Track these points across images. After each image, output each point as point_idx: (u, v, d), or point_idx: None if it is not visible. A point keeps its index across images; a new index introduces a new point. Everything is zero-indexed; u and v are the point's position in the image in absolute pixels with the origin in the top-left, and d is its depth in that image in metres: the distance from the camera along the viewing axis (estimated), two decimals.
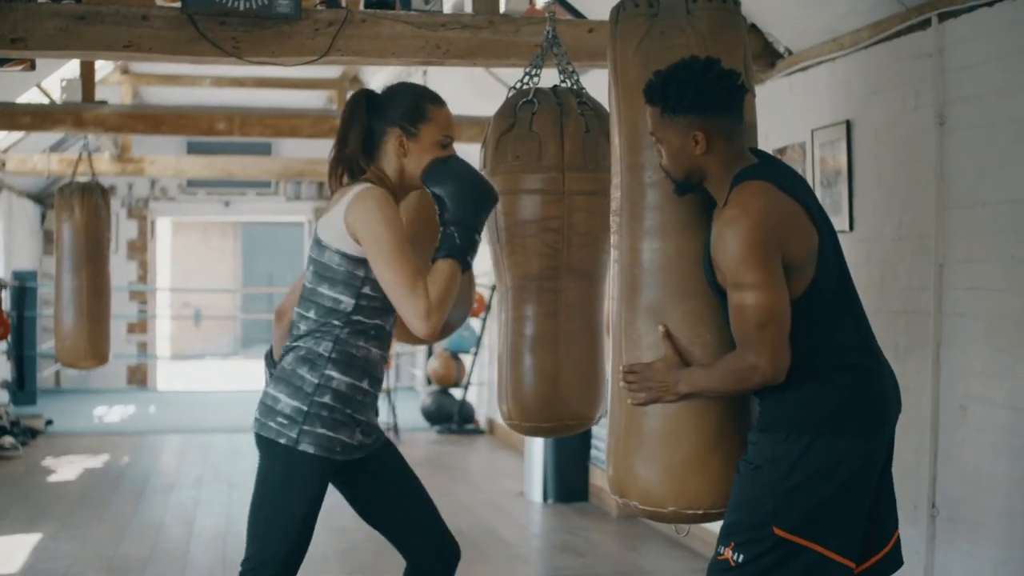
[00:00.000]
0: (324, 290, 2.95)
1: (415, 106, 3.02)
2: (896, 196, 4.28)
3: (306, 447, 2.92)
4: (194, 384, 15.07)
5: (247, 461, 8.91)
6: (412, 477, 3.18)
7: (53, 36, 4.36)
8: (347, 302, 2.94)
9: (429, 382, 11.19)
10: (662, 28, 3.01)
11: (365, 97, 3.06)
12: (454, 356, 10.82)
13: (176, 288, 18.36)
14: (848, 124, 4.56)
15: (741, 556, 2.80)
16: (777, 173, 2.85)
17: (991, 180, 3.78)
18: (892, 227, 4.28)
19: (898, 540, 2.94)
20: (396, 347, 14.11)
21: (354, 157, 3.03)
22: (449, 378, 10.74)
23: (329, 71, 11.08)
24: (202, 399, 13.43)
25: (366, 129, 3.03)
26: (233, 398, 13.45)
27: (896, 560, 2.95)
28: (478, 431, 10.55)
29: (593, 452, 7.28)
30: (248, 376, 16.29)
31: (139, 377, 14.21)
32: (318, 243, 2.97)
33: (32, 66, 5.06)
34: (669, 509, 3.01)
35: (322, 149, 12.68)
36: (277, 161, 11.51)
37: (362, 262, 2.91)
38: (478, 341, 10.52)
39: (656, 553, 6.01)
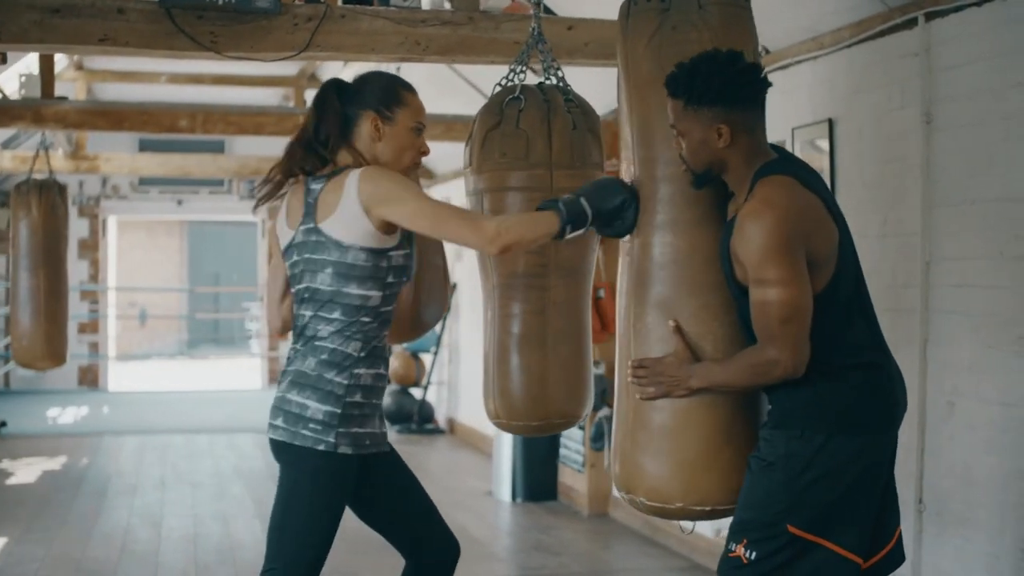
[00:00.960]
0: (352, 289, 2.90)
1: (390, 91, 3.03)
2: (880, 194, 4.30)
3: (345, 449, 2.89)
4: (144, 385, 14.87)
5: (207, 462, 8.83)
6: (411, 475, 3.15)
7: (27, 29, 4.25)
8: (376, 296, 2.92)
9: (388, 382, 11.11)
10: (674, 23, 3.00)
11: (336, 85, 3.05)
12: (414, 356, 10.77)
13: (129, 287, 18.13)
14: (831, 122, 4.58)
15: (754, 553, 2.79)
16: (798, 168, 2.85)
17: (980, 178, 3.81)
18: (876, 225, 4.30)
19: (900, 536, 2.95)
20: None
21: (318, 144, 2.99)
22: (409, 378, 10.69)
23: (287, 68, 10.99)
24: (155, 400, 13.27)
25: (340, 115, 3.00)
26: (187, 398, 13.33)
27: (898, 557, 2.95)
28: (438, 431, 10.51)
29: (562, 451, 7.27)
30: (197, 376, 16.16)
31: (90, 378, 14.00)
32: (337, 245, 2.89)
33: (3, 59, 4.96)
34: (676, 505, 2.99)
35: (280, 147, 12.61)
36: (232, 159, 11.38)
37: (384, 253, 2.90)
38: (438, 341, 10.48)
39: (630, 551, 6.01)
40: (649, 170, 3.04)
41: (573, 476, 7.13)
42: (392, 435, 10.16)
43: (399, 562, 3.16)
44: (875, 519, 2.85)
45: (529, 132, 3.81)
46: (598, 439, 6.77)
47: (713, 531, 5.58)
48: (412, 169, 3.09)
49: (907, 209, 4.13)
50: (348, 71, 8.52)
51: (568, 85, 3.98)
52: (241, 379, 15.66)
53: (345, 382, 2.90)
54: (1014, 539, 3.66)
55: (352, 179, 2.88)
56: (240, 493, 7.60)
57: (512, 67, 4.03)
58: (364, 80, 3.04)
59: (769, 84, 2.85)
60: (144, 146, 12.87)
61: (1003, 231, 3.71)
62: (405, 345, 10.86)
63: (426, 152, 3.10)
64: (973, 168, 3.85)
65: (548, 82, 4.00)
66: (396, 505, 3.09)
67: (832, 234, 2.77)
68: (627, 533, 6.36)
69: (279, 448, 2.96)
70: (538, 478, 7.34)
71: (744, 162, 2.82)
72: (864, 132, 4.41)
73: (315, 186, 2.96)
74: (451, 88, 8.10)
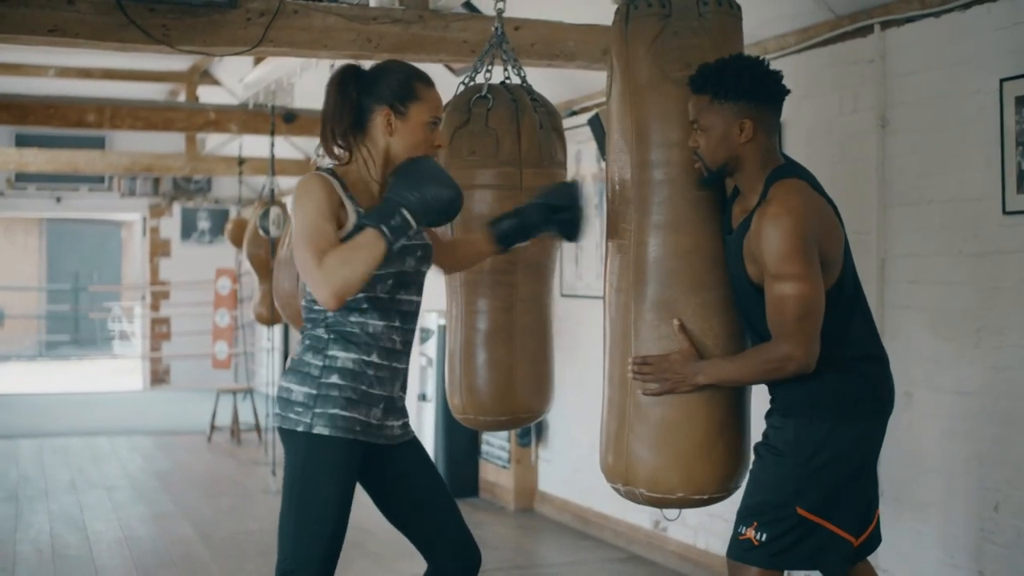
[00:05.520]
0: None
1: (405, 84, 2.96)
2: (832, 195, 4.45)
3: (321, 429, 2.87)
4: (18, 387, 14.42)
5: (113, 464, 8.66)
6: (437, 477, 3.13)
7: None
8: None
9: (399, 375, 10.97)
10: (675, 29, 3.09)
11: (353, 72, 2.98)
12: None
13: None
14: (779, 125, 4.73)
15: (764, 535, 2.91)
16: (806, 173, 2.98)
17: (936, 179, 4.02)
18: None
19: (879, 520, 3.11)
20: (235, 349, 13.88)
21: (340, 135, 2.96)
22: None
23: (179, 63, 10.81)
24: (37, 402, 12.89)
25: (355, 105, 2.96)
26: (70, 400, 12.99)
27: (878, 537, 3.13)
28: None
29: (484, 447, 7.33)
30: (65, 379, 15.73)
31: None
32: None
33: None
34: (677, 495, 3.09)
35: (167, 143, 12.42)
36: (124, 155, 11.11)
37: None
38: None
39: (565, 545, 6.11)
40: (647, 172, 3.12)
41: (497, 472, 7.20)
42: None
43: None
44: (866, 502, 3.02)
45: (498, 130, 3.86)
46: (525, 435, 6.86)
47: (651, 522, 5.72)
48: None
49: (861, 209, 4.31)
50: (256, 71, 8.42)
51: (531, 85, 4.06)
52: (115, 381, 15.31)
53: (320, 363, 2.91)
54: (974, 520, 3.87)
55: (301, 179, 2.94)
56: (158, 495, 7.47)
57: (475, 66, 4.08)
58: (381, 71, 2.99)
59: (788, 90, 2.97)
60: (21, 141, 12.48)
61: (961, 230, 3.91)
62: None
63: (440, 146, 3.06)
64: (929, 170, 4.05)
65: (510, 81, 4.08)
66: (414, 502, 3.07)
67: (840, 236, 2.93)
68: (557, 527, 6.46)
69: (279, 433, 2.98)
70: (460, 475, 7.38)
71: (759, 162, 2.94)
72: (814, 135, 4.59)
73: None
74: None
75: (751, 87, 2.89)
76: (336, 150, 2.99)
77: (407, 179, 2.85)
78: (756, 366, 2.92)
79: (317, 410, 2.89)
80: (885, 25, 4.21)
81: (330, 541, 2.89)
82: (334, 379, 2.91)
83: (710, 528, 5.24)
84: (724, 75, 2.89)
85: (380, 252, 2.78)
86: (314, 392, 2.90)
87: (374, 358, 2.95)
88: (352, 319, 2.94)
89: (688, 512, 4.41)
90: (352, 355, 2.93)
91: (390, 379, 3.00)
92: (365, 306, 2.94)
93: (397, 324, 3.01)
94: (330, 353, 2.92)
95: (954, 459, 3.97)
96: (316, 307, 2.95)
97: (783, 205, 2.83)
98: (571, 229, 3.30)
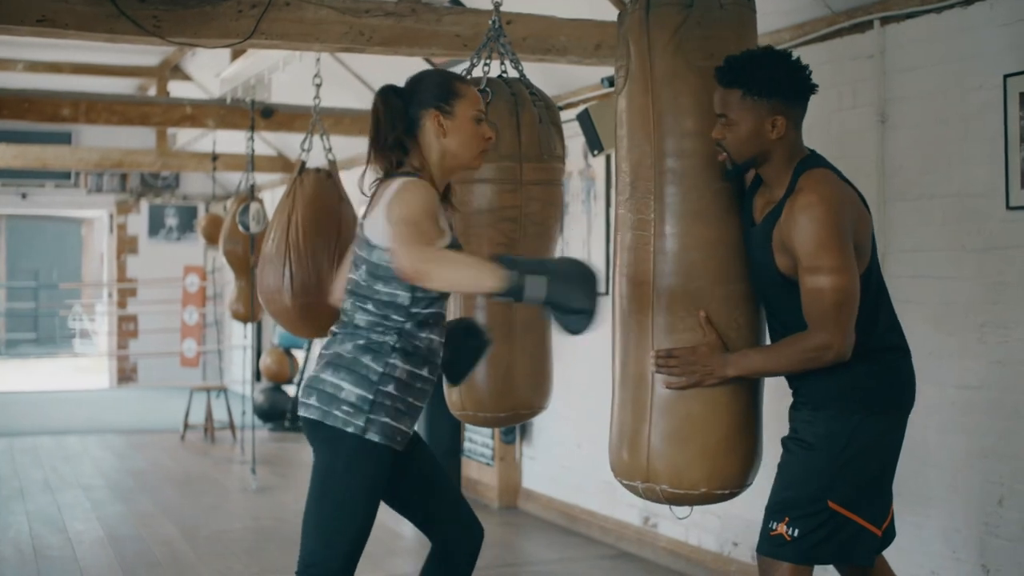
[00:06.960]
0: (380, 287, 2.92)
1: (445, 85, 3.02)
2: None
3: (373, 435, 2.87)
4: None
5: (87, 463, 8.55)
6: (434, 460, 3.17)
7: None
8: (403, 296, 2.91)
9: (259, 378, 10.93)
10: (698, 19, 3.07)
11: (392, 89, 3.03)
12: (287, 352, 10.62)
13: None
14: None
15: (796, 530, 2.89)
16: (830, 164, 2.97)
17: (939, 175, 4.02)
18: None
19: (893, 515, 3.11)
20: (203, 346, 13.77)
21: (394, 148, 2.97)
22: (282, 375, 10.52)
23: (150, 58, 10.72)
24: (5, 400, 12.73)
25: (404, 115, 2.99)
26: (37, 399, 12.83)
27: (893, 531, 3.13)
28: None
29: (467, 445, 7.29)
30: (26, 377, 15.51)
31: None
32: (367, 243, 2.93)
33: None
34: (701, 491, 3.07)
35: (136, 139, 12.24)
36: (95, 151, 10.96)
37: None
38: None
39: (553, 541, 6.08)
40: (668, 162, 3.10)
41: (480, 470, 7.16)
42: (265, 433, 9.99)
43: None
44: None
45: (498, 124, 3.83)
46: (509, 432, 6.83)
47: (641, 518, 5.71)
48: (481, 156, 3.08)
49: None
50: (233, 67, 8.33)
51: (528, 79, 4.03)
52: (79, 379, 15.13)
53: (380, 369, 2.90)
54: (977, 515, 3.88)
55: (393, 186, 2.90)
56: (136, 494, 7.37)
57: (473, 60, 4.05)
58: (417, 80, 3.04)
59: (817, 85, 2.95)
60: None
61: (964, 225, 3.92)
62: (277, 341, 10.70)
63: (491, 138, 3.07)
64: (930, 165, 4.05)
65: (507, 75, 4.05)
66: (414, 485, 3.09)
67: (869, 224, 2.92)
68: (543, 524, 6.44)
69: (311, 427, 2.94)
70: None
71: (787, 155, 2.93)
72: (811, 130, 4.52)
73: (380, 187, 2.98)
74: (340, 81, 8.04)
75: (786, 84, 2.88)
76: (386, 164, 2.99)
77: (569, 271, 2.79)
78: (792, 356, 2.90)
79: (372, 416, 2.89)
80: (885, 21, 4.21)
81: (355, 541, 2.91)
82: (390, 388, 2.92)
83: (702, 524, 5.23)
84: (758, 71, 2.86)
85: (487, 288, 2.72)
86: (370, 397, 2.89)
87: (424, 372, 2.99)
88: (423, 334, 2.96)
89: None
90: (408, 367, 2.94)
91: (429, 393, 3.04)
92: (432, 321, 2.97)
93: (442, 340, 3.06)
94: (391, 361, 2.92)
95: (957, 453, 3.98)
96: (395, 316, 2.92)
97: (816, 195, 2.81)
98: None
